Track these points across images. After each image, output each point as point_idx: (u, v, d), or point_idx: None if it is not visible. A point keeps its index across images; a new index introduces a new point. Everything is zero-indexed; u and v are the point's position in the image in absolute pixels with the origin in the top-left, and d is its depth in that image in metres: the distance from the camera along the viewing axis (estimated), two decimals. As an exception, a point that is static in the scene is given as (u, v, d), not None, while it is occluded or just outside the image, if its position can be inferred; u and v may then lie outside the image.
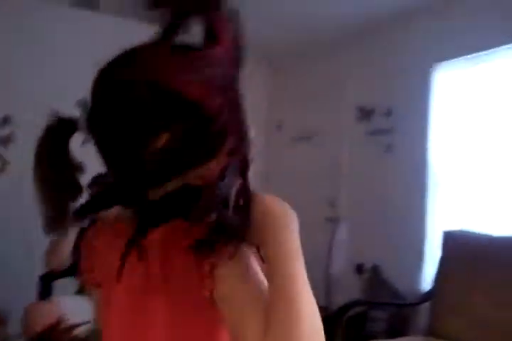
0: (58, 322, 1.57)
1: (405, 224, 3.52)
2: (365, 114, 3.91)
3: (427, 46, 3.47)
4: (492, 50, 3.04)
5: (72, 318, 2.03)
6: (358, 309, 2.99)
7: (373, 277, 3.64)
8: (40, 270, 2.33)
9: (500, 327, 2.01)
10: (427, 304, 2.51)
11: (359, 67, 4.03)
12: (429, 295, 2.46)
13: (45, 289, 2.29)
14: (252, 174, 0.76)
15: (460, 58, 3.20)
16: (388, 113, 3.71)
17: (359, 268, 3.72)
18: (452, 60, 3.26)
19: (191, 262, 0.69)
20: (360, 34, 4.01)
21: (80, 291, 2.32)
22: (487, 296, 2.13)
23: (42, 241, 2.35)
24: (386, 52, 3.82)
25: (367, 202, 3.81)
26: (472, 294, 2.19)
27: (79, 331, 1.74)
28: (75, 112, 0.77)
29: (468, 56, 3.15)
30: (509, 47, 2.95)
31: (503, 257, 2.19)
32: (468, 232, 2.47)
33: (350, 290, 3.61)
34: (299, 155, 4.55)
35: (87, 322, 1.88)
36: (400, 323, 3.32)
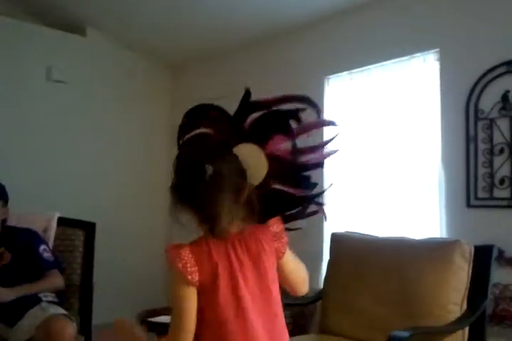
0: None
1: (306, 227, 3.64)
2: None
3: (321, 59, 3.68)
4: (374, 65, 3.35)
5: None
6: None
7: (277, 277, 3.74)
8: None
9: (381, 323, 2.13)
10: (320, 302, 2.61)
11: (256, 74, 4.12)
12: (320, 295, 2.56)
13: None
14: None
15: (348, 71, 3.50)
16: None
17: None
18: (341, 73, 3.54)
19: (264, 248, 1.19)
20: (258, 42, 4.13)
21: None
22: (370, 294, 2.25)
23: None
24: (283, 62, 3.96)
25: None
26: (357, 292, 2.30)
27: None
28: None
29: (355, 70, 3.46)
30: (388, 63, 3.28)
31: (384, 256, 2.32)
32: (353, 233, 2.61)
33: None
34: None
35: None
36: (303, 321, 3.44)
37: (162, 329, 2.37)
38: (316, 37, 3.75)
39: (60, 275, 2.41)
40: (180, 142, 1.26)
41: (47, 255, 2.40)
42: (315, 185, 1.29)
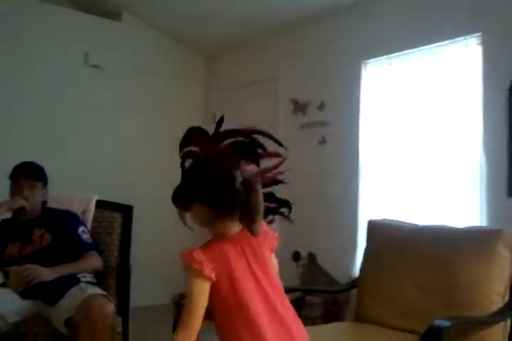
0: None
1: (338, 213, 3.62)
2: (300, 107, 3.97)
3: (358, 44, 3.60)
4: (413, 49, 3.26)
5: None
6: (294, 295, 3.05)
7: (309, 264, 3.73)
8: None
9: (421, 312, 2.09)
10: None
11: (292, 60, 4.08)
12: (357, 282, 2.53)
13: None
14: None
15: (386, 56, 3.42)
16: (321, 106, 3.79)
17: (295, 256, 3.80)
18: (379, 58, 3.46)
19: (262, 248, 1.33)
20: (292, 27, 4.07)
21: (3, 284, 2.26)
22: (410, 283, 2.21)
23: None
24: (319, 48, 3.89)
25: (302, 192, 3.88)
26: (396, 281, 2.27)
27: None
28: None
29: (393, 54, 3.37)
30: (427, 48, 3.19)
31: (424, 245, 2.27)
32: (391, 221, 2.56)
33: (287, 276, 3.69)
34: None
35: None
36: (335, 309, 3.42)
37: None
38: (352, 20, 3.66)
39: (98, 256, 2.44)
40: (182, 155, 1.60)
41: (85, 236, 2.44)
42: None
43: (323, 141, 3.78)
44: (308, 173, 3.83)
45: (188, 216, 1.34)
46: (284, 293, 1.34)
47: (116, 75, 4.27)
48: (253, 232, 1.28)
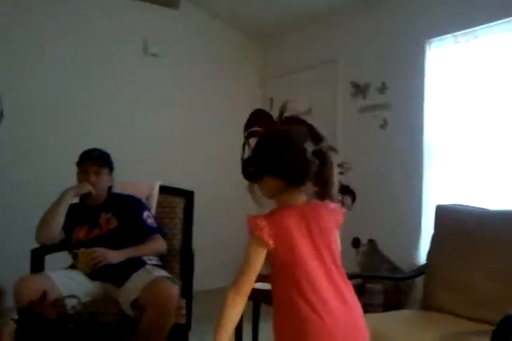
0: (44, 296, 1.58)
1: (401, 199, 3.51)
2: (360, 89, 3.86)
3: (422, 21, 3.43)
4: (482, 26, 3.06)
5: (63, 292, 2.06)
6: (354, 282, 3.00)
7: (370, 251, 3.65)
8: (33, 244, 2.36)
9: (494, 301, 2.00)
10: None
11: (352, 41, 3.96)
12: (423, 269, 2.44)
13: (37, 263, 2.31)
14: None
15: (452, 34, 3.22)
16: (382, 88, 3.67)
17: (355, 242, 3.73)
18: (445, 36, 3.27)
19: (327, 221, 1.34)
20: (352, 8, 3.94)
21: (72, 266, 2.34)
22: (481, 270, 2.11)
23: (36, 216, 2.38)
24: (380, 27, 3.75)
25: (362, 177, 3.80)
26: (466, 268, 2.18)
27: (66, 305, 1.76)
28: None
29: (459, 32, 3.18)
30: (497, 24, 2.99)
31: (496, 231, 2.16)
32: (460, 206, 2.45)
33: (346, 263, 3.64)
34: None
35: (74, 296, 1.91)
36: (397, 296, 3.34)
37: (259, 295, 2.39)
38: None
39: (162, 240, 2.48)
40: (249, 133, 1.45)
41: (150, 221, 2.49)
42: None
43: (384, 125, 3.67)
44: (368, 157, 3.74)
45: (257, 191, 1.35)
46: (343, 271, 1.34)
47: (173, 62, 4.31)
48: (325, 197, 1.27)
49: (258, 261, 1.29)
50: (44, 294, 1.59)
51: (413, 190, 3.43)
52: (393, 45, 3.61)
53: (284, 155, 1.27)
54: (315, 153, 1.24)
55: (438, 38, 3.33)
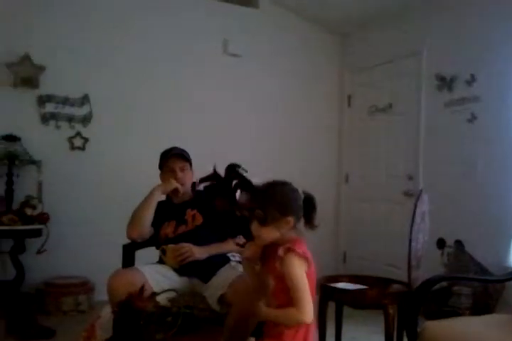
0: (141, 290, 1.64)
1: (491, 197, 3.33)
2: (446, 82, 3.69)
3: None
4: None
5: (154, 286, 2.13)
6: (439, 284, 2.88)
7: (456, 252, 3.50)
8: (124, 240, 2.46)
9: None
10: (516, 281, 2.37)
11: (437, 32, 3.80)
12: (516, 272, 2.30)
13: (128, 258, 2.41)
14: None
15: None
16: (471, 80, 3.48)
17: (440, 243, 3.59)
18: None
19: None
20: (430, 2, 3.80)
21: (160, 261, 2.41)
22: None
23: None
24: (466, 16, 3.57)
25: (447, 174, 3.64)
26: None
27: (160, 299, 1.82)
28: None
29: None
30: None
31: None
32: None
33: (430, 264, 3.52)
34: (374, 128, 4.42)
35: (168, 290, 1.96)
36: (486, 300, 3.18)
37: (340, 295, 2.36)
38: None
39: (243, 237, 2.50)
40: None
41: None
42: None
43: (472, 119, 3.49)
44: (455, 153, 3.58)
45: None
46: None
47: (253, 62, 4.34)
48: (314, 227, 1.58)
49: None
50: (142, 287, 1.65)
51: (504, 188, 3.25)
52: (484, 34, 3.41)
53: (297, 197, 1.56)
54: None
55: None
